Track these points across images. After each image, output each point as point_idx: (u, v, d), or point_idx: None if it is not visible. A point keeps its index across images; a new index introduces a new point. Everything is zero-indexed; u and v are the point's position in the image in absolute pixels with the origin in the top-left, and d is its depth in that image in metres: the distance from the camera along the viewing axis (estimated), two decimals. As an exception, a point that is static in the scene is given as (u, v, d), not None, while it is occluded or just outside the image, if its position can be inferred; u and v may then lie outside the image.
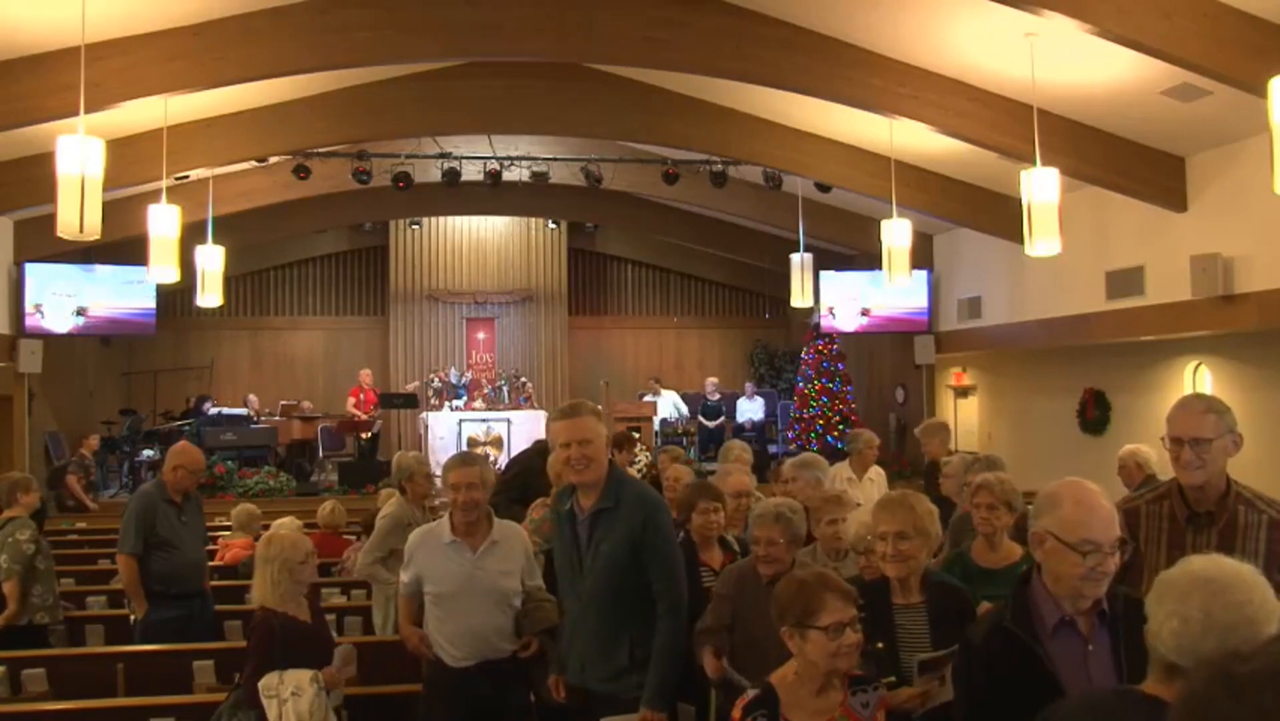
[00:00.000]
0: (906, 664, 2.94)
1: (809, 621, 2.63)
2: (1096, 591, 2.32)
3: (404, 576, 3.99)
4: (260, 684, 3.66)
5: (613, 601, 3.47)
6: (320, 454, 14.72)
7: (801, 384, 14.64)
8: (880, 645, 2.93)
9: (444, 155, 12.19)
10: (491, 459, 13.00)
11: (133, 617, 5.43)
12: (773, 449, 14.68)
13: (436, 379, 15.52)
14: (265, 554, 3.93)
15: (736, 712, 2.70)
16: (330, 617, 4.97)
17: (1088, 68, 7.40)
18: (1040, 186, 7.31)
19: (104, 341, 15.01)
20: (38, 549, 5.53)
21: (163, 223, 8.91)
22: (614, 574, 3.45)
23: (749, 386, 16.21)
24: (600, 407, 3.68)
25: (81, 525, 10.26)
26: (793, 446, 13.82)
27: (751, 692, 2.73)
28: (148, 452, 13.30)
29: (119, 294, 12.67)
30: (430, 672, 3.90)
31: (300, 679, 3.66)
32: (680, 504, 4.21)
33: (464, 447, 13.66)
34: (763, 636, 3.20)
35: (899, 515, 3.08)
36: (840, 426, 13.66)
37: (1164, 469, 5.95)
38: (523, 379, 15.78)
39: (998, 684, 2.34)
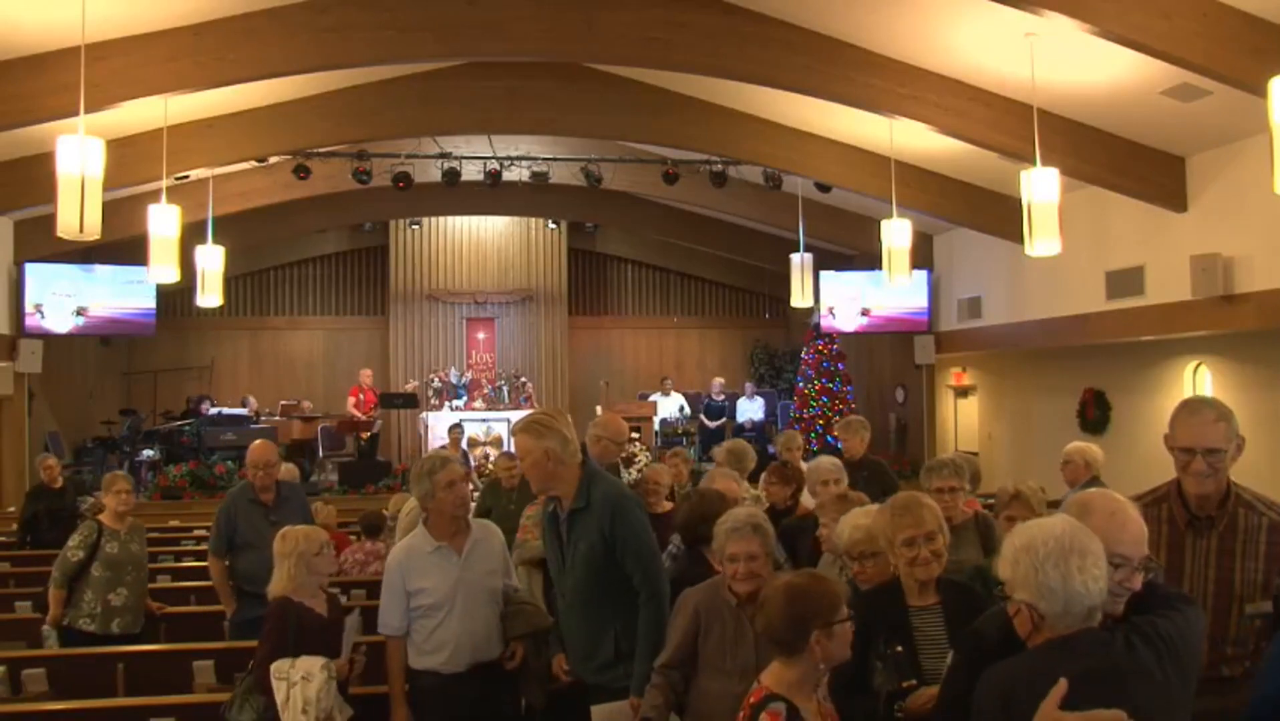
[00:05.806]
0: (926, 666, 2.91)
1: (834, 617, 2.59)
2: (1114, 609, 2.23)
3: (392, 616, 3.82)
4: (272, 667, 3.71)
5: (595, 597, 3.60)
6: (320, 454, 14.72)
7: (801, 384, 14.63)
8: (899, 648, 2.90)
9: (444, 155, 12.19)
10: (491, 459, 13.00)
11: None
12: (772, 449, 14.65)
13: (436, 379, 15.50)
14: (282, 549, 3.98)
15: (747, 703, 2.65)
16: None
17: (1088, 68, 7.40)
18: (1040, 186, 7.31)
19: (104, 341, 15.01)
20: (92, 555, 5.44)
21: (163, 223, 8.89)
22: (592, 571, 3.58)
23: (749, 386, 16.21)
24: (551, 416, 3.67)
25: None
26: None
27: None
28: (148, 453, 13.29)
29: (119, 294, 12.67)
30: (419, 683, 3.82)
31: (311, 665, 3.71)
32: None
33: (464, 448, 13.66)
34: (730, 668, 3.10)
35: (928, 516, 3.07)
36: (840, 426, 13.65)
37: (1108, 470, 5.96)
38: (523, 379, 15.77)
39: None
